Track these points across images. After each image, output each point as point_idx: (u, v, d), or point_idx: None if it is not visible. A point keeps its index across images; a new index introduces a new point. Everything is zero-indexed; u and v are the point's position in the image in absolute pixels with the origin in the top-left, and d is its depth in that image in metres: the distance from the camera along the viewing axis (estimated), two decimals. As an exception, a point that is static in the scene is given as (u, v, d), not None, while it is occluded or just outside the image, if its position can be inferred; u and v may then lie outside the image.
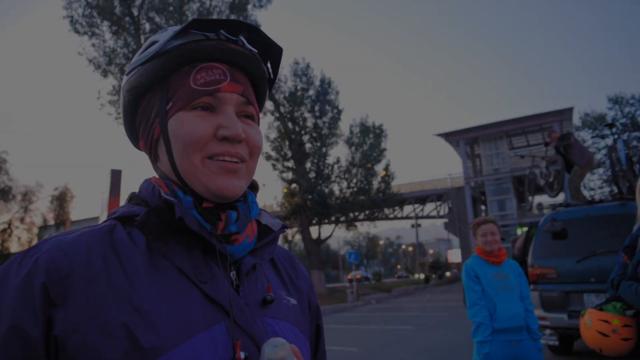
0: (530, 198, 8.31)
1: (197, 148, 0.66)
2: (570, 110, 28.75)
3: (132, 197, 0.74)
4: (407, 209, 44.15)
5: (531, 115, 31.62)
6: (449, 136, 34.89)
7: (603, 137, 23.53)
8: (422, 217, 44.44)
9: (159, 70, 0.69)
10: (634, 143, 22.24)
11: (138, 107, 0.73)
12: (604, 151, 25.36)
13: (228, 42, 0.69)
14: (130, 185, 22.19)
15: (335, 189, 24.23)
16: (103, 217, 4.94)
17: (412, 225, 45.26)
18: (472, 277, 3.07)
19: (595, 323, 2.10)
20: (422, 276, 41.71)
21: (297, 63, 23.78)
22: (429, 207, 42.69)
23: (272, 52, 0.75)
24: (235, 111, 0.69)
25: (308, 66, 23.86)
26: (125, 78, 0.73)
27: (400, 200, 39.23)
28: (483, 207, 36.93)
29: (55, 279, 0.56)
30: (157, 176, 0.74)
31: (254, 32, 0.72)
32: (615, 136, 8.44)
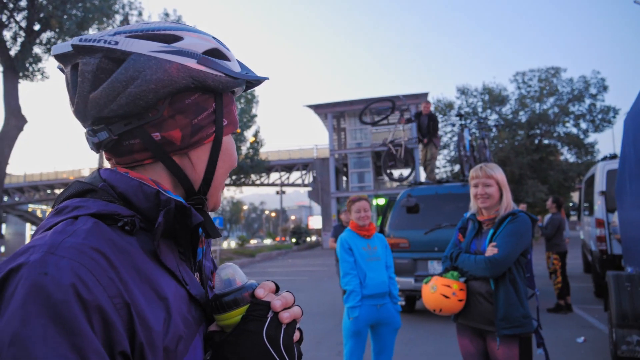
0: (388, 171, 9.10)
1: (231, 169, 0.78)
2: (425, 95, 31.71)
3: (96, 190, 0.67)
4: (274, 176, 44.89)
5: (392, 96, 34.07)
6: (318, 108, 36.00)
7: (454, 124, 26.48)
8: (288, 185, 45.63)
9: (228, 87, 0.73)
10: (473, 130, 25.49)
11: (183, 98, 0.69)
12: (449, 134, 28.61)
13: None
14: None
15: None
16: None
17: (277, 192, 46.22)
18: (345, 249, 3.39)
19: (440, 288, 2.54)
20: (293, 240, 43.21)
21: (167, 14, 22.17)
22: (295, 175, 43.98)
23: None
24: None
25: (179, 20, 22.42)
26: (194, 62, 0.69)
27: (267, 167, 39.68)
28: (345, 179, 39.22)
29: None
30: (129, 169, 0.70)
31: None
32: (463, 125, 9.64)
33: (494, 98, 28.51)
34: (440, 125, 29.77)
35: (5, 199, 45.10)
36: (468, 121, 25.41)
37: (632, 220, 5.00)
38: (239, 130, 0.78)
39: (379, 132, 33.90)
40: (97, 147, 0.70)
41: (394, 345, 3.44)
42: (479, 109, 29.14)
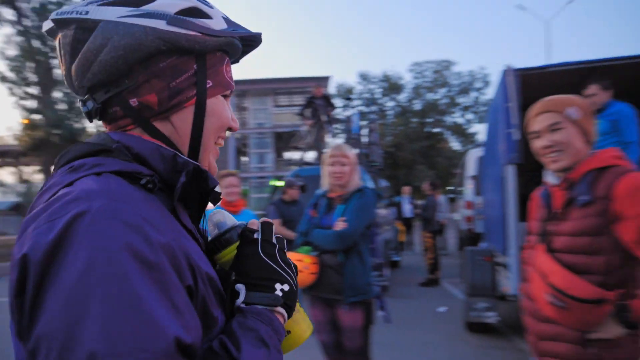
0: (303, 153, 9.22)
1: (222, 131, 0.76)
2: (328, 78, 32.27)
3: (111, 150, 0.66)
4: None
5: (296, 78, 34.24)
6: (220, 85, 35.04)
7: (344, 107, 27.21)
8: (187, 164, 44.02)
9: (207, 47, 0.70)
10: (372, 116, 26.47)
11: (157, 61, 0.68)
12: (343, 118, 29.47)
13: (244, 52, 0.80)
14: None
15: (92, 125, 21.83)
16: None
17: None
18: (211, 224, 3.35)
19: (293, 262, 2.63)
20: None
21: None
22: (195, 154, 42.55)
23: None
24: None
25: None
26: (163, 24, 0.67)
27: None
28: (245, 159, 38.84)
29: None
30: (141, 133, 0.71)
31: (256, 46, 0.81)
32: (352, 108, 9.96)
33: (392, 86, 29.85)
34: (339, 110, 30.63)
35: None
36: (359, 105, 26.35)
37: (489, 202, 5.56)
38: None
39: (282, 112, 33.95)
40: (88, 116, 0.72)
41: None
42: (378, 96, 30.34)
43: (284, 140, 30.38)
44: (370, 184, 7.17)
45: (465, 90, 29.53)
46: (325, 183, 2.76)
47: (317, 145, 9.11)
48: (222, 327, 0.67)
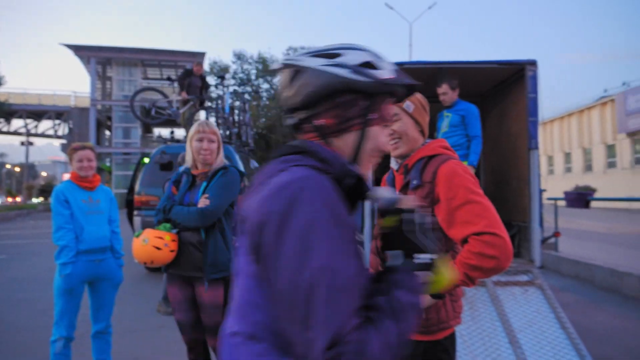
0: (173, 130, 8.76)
1: (376, 152, 1.01)
2: (203, 55, 31.05)
3: (307, 152, 0.95)
4: (17, 123, 37.94)
5: (168, 50, 32.39)
6: (79, 50, 31.64)
7: (216, 86, 26.51)
8: (36, 135, 39.27)
9: (376, 90, 0.97)
10: (246, 97, 26.22)
11: (339, 97, 0.96)
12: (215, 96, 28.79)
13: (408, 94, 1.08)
14: None
15: None
16: None
17: (22, 143, 39.31)
18: (61, 201, 3.09)
19: (152, 240, 2.56)
20: (40, 199, 37.17)
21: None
22: (46, 125, 38.03)
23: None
24: None
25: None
26: (347, 72, 0.95)
27: (8, 112, 33.27)
28: (108, 133, 35.81)
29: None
30: (324, 144, 0.99)
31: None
32: (226, 87, 9.80)
33: (267, 68, 29.80)
34: (212, 88, 29.75)
35: None
36: (233, 84, 25.94)
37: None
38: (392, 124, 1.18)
39: (151, 85, 31.89)
40: (290, 127, 1.03)
41: (114, 302, 3.34)
42: (253, 77, 30.09)
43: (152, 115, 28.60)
44: (240, 165, 7.16)
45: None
46: (189, 159, 2.71)
47: (189, 122, 8.80)
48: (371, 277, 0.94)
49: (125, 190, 8.96)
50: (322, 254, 0.78)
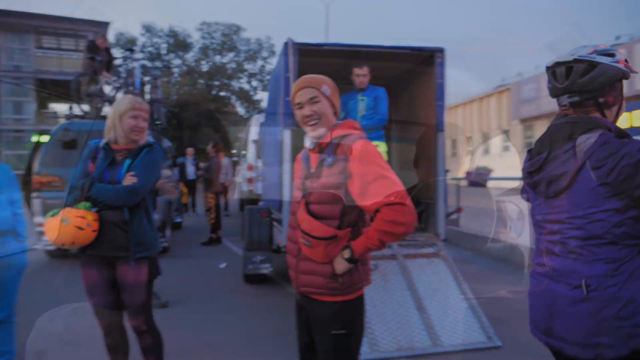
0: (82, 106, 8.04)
1: (619, 115, 1.64)
2: (107, 25, 28.83)
3: (596, 123, 1.52)
4: None
5: (66, 18, 29.59)
6: (-43, 12, 27.87)
7: (125, 59, 24.89)
8: None
9: (625, 76, 1.58)
10: (156, 72, 24.90)
11: (616, 82, 1.56)
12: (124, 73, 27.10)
13: None
14: None
15: None
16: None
17: None
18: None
19: (73, 220, 2.41)
20: None
21: None
22: None
23: None
24: None
25: None
26: (621, 66, 1.54)
27: None
28: (-5, 107, 32.17)
29: None
30: (600, 116, 1.56)
31: None
32: (135, 61, 9.27)
33: (179, 42, 28.51)
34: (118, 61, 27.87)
35: None
36: (142, 58, 24.56)
37: (268, 164, 6.00)
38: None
39: (47, 56, 29.14)
40: (569, 104, 1.58)
41: (17, 289, 3.11)
42: (163, 51, 28.63)
43: (49, 88, 26.24)
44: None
45: (252, 57, 30.19)
46: (109, 135, 2.59)
47: (93, 98, 8.23)
48: None
49: (20, 172, 8.22)
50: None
